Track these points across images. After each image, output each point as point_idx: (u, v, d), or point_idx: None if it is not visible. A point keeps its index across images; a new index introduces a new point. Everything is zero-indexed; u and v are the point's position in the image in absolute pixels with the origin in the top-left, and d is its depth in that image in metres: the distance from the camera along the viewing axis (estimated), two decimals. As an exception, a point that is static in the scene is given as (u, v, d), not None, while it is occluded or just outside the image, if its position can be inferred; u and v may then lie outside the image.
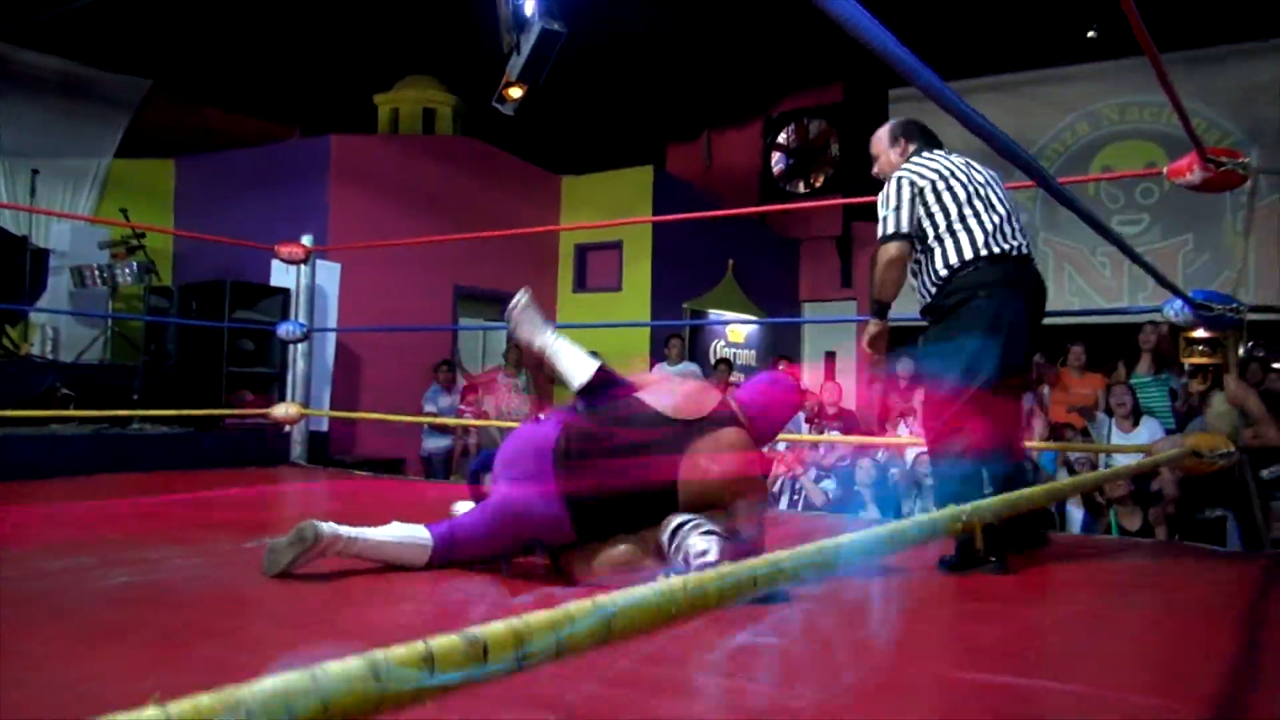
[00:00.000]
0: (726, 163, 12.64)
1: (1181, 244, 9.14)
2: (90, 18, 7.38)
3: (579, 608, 0.56)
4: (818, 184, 12.02)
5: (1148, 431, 5.64)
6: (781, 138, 12.32)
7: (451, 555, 2.42)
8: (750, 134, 12.52)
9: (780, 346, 11.42)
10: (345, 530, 2.31)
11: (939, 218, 2.77)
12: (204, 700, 0.40)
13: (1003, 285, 2.66)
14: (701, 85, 11.48)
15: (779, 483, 6.25)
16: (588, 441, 2.39)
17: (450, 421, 7.57)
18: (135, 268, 6.97)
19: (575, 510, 2.30)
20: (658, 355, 9.08)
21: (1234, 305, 2.94)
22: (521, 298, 2.78)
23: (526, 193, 9.97)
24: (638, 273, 9.97)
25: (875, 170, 3.22)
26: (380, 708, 0.44)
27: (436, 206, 8.82)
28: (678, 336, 8.97)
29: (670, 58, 10.43)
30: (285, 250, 5.54)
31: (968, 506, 1.14)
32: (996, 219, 2.75)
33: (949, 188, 2.78)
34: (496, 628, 0.51)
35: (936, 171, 2.83)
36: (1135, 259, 2.46)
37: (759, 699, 1.56)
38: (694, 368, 8.76)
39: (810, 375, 11.26)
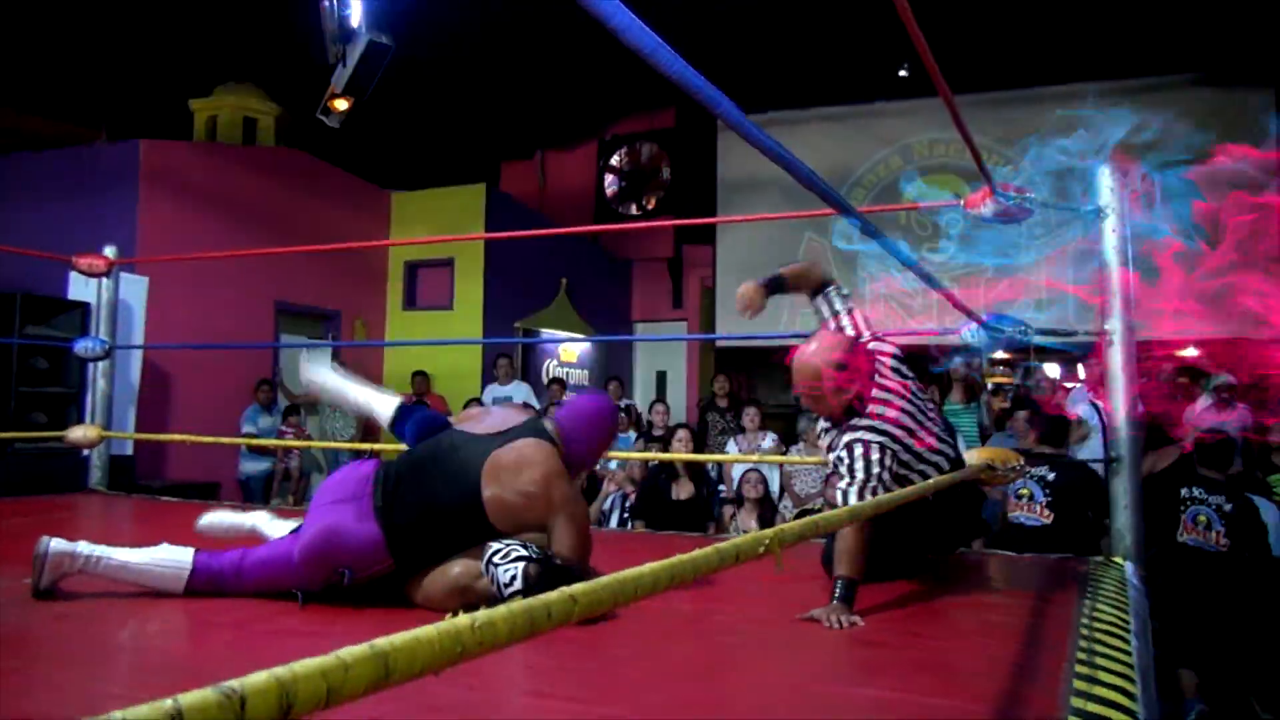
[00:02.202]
0: (560, 183, 12.69)
1: (983, 272, 9.79)
2: None
3: (352, 653, 0.54)
4: (650, 206, 12.23)
5: (952, 448, 5.99)
6: (615, 160, 12.48)
7: (227, 584, 2.30)
8: (584, 155, 12.62)
9: (613, 366, 11.52)
10: (85, 548, 2.25)
11: None
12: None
13: None
14: (535, 105, 11.49)
15: (610, 500, 6.28)
16: (403, 467, 2.39)
17: (269, 443, 7.24)
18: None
19: (390, 532, 2.26)
20: (489, 375, 8.98)
21: (1022, 328, 3.18)
22: (302, 357, 2.90)
23: (354, 208, 9.68)
24: (470, 291, 9.85)
25: None
26: (117, 775, 0.41)
27: (257, 220, 8.44)
28: (506, 356, 8.91)
29: (504, 75, 10.39)
30: (84, 262, 5.16)
31: (770, 531, 1.17)
32: None
33: None
34: (257, 679, 0.49)
35: None
36: (931, 283, 2.62)
37: (568, 714, 1.60)
38: (525, 387, 8.71)
39: (641, 394, 11.40)
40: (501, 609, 0.68)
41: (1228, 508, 4.58)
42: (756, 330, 10.07)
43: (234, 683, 0.48)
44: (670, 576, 0.91)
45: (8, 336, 5.95)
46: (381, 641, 0.57)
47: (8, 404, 5.97)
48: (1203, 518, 4.60)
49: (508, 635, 0.66)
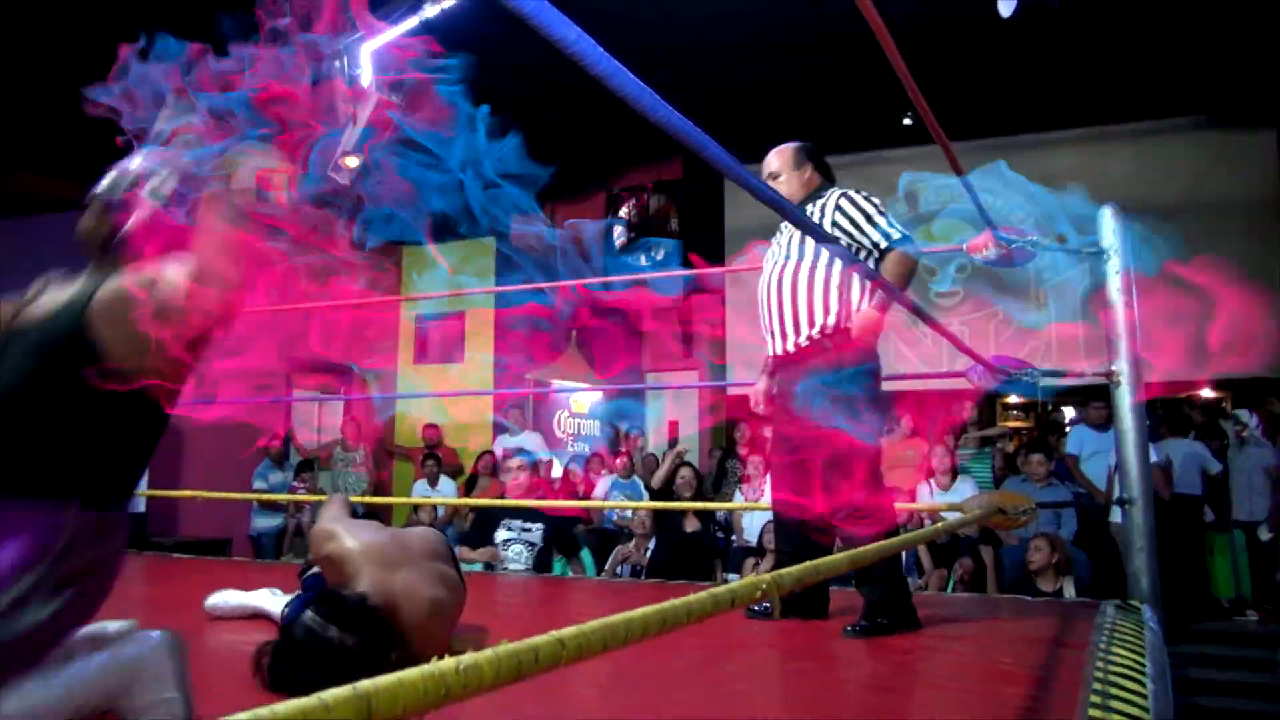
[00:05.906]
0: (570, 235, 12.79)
1: (992, 315, 9.79)
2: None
3: (334, 694, 0.55)
4: (659, 257, 12.30)
5: (962, 491, 5.95)
6: (623, 211, 12.59)
7: None
8: (592, 207, 12.73)
9: (623, 416, 11.51)
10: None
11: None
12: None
13: None
14: (544, 158, 11.62)
15: (620, 568, 6.24)
16: None
17: (281, 498, 7.24)
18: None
19: None
20: (500, 426, 8.99)
21: (1028, 370, 3.18)
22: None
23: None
24: (480, 344, 9.90)
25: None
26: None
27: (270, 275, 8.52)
28: (518, 407, 8.92)
29: (512, 129, 10.52)
30: (99, 321, 5.23)
31: (768, 575, 1.17)
32: None
33: None
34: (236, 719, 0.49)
35: None
36: (934, 325, 2.63)
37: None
38: (536, 437, 8.71)
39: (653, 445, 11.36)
40: (488, 652, 0.68)
41: None
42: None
43: (212, 724, 0.48)
44: (662, 621, 0.91)
45: (23, 395, 6.00)
46: (365, 683, 0.57)
47: (22, 463, 6.00)
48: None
49: (493, 678, 0.67)
